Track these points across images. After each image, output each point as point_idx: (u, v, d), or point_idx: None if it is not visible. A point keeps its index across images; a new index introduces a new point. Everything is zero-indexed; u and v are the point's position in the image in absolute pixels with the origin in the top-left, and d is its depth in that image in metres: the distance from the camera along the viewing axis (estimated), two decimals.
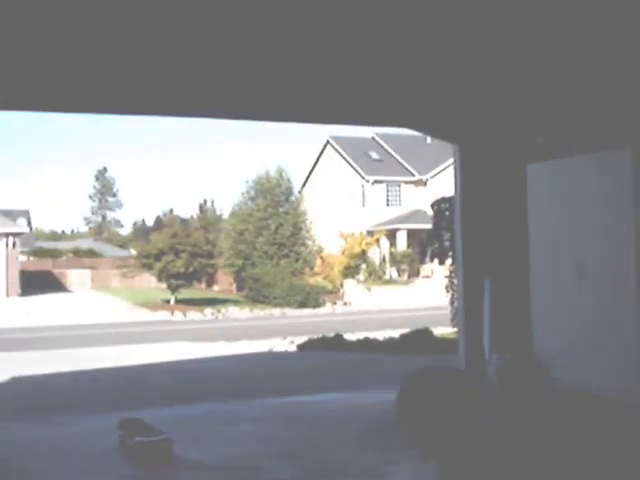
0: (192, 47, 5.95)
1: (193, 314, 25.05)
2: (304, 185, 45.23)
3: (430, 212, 14.40)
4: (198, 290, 33.04)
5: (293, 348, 13.99)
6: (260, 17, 5.42)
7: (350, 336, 14.45)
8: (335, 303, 28.50)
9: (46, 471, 4.70)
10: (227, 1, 5.16)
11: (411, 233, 37.49)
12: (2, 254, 33.39)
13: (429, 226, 14.78)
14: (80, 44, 5.70)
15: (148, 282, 34.69)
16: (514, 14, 5.56)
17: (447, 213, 11.87)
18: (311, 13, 5.44)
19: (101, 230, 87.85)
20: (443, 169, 37.98)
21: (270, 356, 12.74)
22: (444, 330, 13.88)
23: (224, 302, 28.37)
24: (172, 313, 25.29)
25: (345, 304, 28.72)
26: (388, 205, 41.11)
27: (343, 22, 5.58)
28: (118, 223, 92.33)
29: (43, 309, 27.59)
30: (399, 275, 36.03)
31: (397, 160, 42.18)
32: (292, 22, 5.59)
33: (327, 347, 13.26)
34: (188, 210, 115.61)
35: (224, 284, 36.26)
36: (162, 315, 25.16)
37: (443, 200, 12.46)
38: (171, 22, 5.43)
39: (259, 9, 5.28)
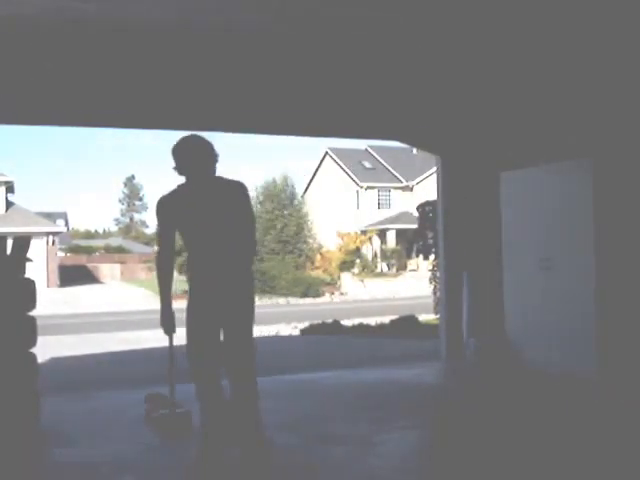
0: (203, 69, 5.94)
1: None
2: (306, 190, 45.22)
3: (416, 214, 14.40)
4: None
5: (296, 332, 13.97)
6: (262, 45, 5.40)
7: (346, 322, 14.44)
8: (333, 293, 28.49)
9: (78, 439, 4.69)
10: (232, 31, 5.15)
11: (399, 232, 37.50)
12: (43, 250, 33.37)
13: (415, 226, 14.78)
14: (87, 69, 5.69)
15: None
16: (486, 44, 5.56)
17: (430, 215, 11.87)
18: (311, 46, 5.43)
19: (129, 230, 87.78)
20: (427, 176, 37.97)
21: (276, 339, 12.73)
22: (428, 317, 13.87)
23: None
24: None
25: (342, 294, 28.71)
26: (379, 208, 41.10)
27: (340, 55, 5.58)
28: (144, 224, 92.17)
29: (79, 298, 27.57)
30: (389, 269, 36.02)
31: (387, 169, 42.17)
32: (294, 54, 5.58)
33: (326, 331, 13.25)
34: None
35: None
36: (182, 304, 25.01)
37: (427, 203, 12.46)
38: (178, 47, 5.41)
39: (260, 37, 5.26)
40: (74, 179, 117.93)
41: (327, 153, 44.09)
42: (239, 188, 4.13)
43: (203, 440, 4.11)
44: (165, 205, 4.15)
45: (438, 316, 9.16)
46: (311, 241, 35.46)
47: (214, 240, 4.03)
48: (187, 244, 4.17)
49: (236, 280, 4.13)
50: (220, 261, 4.04)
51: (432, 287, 12.21)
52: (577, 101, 6.55)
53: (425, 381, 6.75)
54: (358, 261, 34.82)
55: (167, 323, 4.30)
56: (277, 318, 17.24)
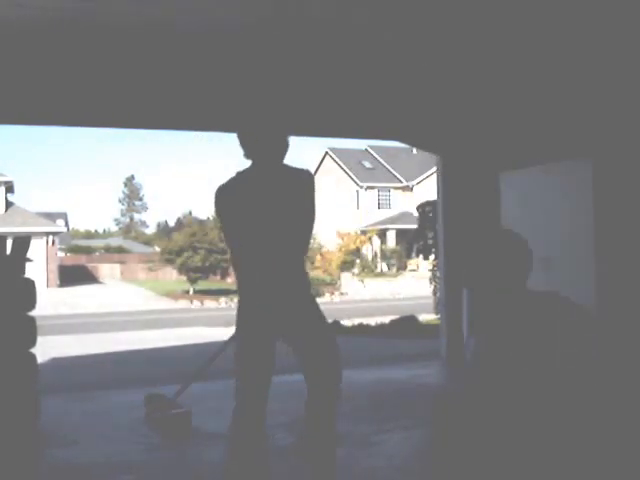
0: (203, 69, 5.94)
1: (209, 303, 25.02)
2: None
3: (416, 214, 14.41)
4: (214, 282, 33.01)
5: None
6: (262, 45, 5.40)
7: (346, 322, 14.42)
8: (333, 293, 28.45)
9: (78, 439, 4.69)
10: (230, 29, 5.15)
11: (399, 232, 37.52)
12: (43, 251, 33.35)
13: (415, 226, 14.78)
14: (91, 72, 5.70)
15: (170, 275, 34.72)
16: (486, 45, 5.56)
17: (430, 215, 11.87)
18: (311, 46, 5.43)
19: (129, 230, 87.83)
20: (427, 176, 37.99)
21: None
22: (428, 317, 13.85)
23: (236, 292, 28.25)
24: (191, 302, 25.26)
25: (342, 294, 28.67)
26: (379, 208, 41.13)
27: (340, 55, 5.58)
28: (144, 224, 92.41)
29: (79, 298, 27.56)
30: (389, 269, 36.02)
31: (387, 169, 42.20)
32: (294, 53, 5.58)
33: None
34: (205, 212, 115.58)
35: None
36: (183, 304, 25.13)
37: (427, 203, 12.46)
38: (178, 46, 5.41)
39: (260, 37, 5.26)
40: (74, 179, 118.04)
41: (327, 153, 44.10)
42: (307, 179, 3.53)
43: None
44: (224, 195, 3.41)
45: (438, 316, 9.15)
46: (311, 241, 35.48)
47: (271, 238, 3.40)
48: (236, 240, 3.51)
49: (294, 284, 3.58)
50: (276, 263, 3.45)
51: (432, 287, 12.21)
52: (577, 101, 6.55)
53: (425, 381, 6.75)
54: (358, 261, 34.82)
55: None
56: None
